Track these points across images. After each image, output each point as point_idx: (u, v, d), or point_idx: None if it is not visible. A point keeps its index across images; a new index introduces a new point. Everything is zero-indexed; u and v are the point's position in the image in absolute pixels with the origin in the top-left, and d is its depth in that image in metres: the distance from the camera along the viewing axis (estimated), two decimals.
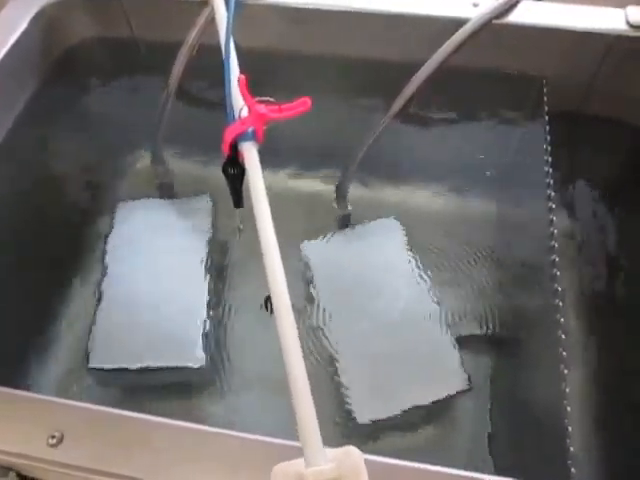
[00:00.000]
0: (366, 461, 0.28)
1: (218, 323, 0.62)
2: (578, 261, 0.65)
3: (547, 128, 0.52)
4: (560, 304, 0.43)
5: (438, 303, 0.60)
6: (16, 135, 0.57)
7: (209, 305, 0.60)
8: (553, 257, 0.45)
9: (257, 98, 0.38)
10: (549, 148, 0.51)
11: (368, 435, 0.55)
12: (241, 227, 0.56)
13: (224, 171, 0.41)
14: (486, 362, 0.59)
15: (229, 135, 0.39)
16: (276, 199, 0.67)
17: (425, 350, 0.57)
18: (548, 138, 0.51)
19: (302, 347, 0.59)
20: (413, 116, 0.61)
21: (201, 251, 0.63)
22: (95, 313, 0.59)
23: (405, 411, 0.54)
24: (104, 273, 0.62)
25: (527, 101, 0.58)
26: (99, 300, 0.60)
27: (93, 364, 0.56)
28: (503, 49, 0.55)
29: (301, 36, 0.58)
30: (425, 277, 0.62)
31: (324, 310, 0.60)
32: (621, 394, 0.54)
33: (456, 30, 0.52)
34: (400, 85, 0.55)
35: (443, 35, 0.52)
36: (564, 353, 0.40)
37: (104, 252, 0.64)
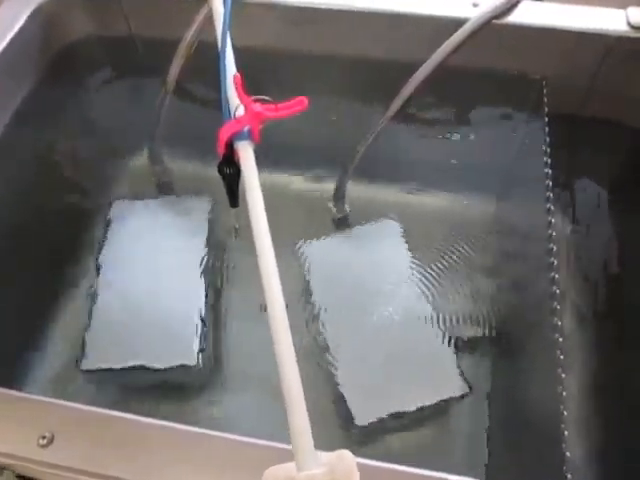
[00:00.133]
0: (359, 465, 0.28)
1: (214, 323, 0.62)
2: (577, 264, 0.64)
3: (547, 129, 0.52)
4: (558, 307, 0.42)
5: (436, 305, 0.60)
6: (13, 133, 0.57)
7: (205, 305, 0.60)
8: (551, 259, 0.45)
9: (253, 97, 0.37)
10: (548, 149, 0.50)
11: (366, 437, 0.55)
12: (237, 227, 0.56)
13: (220, 171, 0.41)
14: (484, 365, 0.59)
15: (224, 134, 0.38)
16: (274, 199, 0.67)
17: (424, 352, 0.57)
18: (548, 139, 0.51)
19: (299, 348, 0.59)
20: (412, 116, 0.61)
21: (198, 251, 0.63)
22: (90, 312, 0.59)
23: (403, 414, 0.54)
24: (98, 272, 0.62)
25: (527, 102, 0.58)
26: (94, 299, 0.60)
27: (87, 366, 0.56)
28: (503, 49, 0.55)
29: (300, 36, 0.57)
30: (423, 279, 0.62)
31: (322, 311, 0.60)
32: (619, 398, 0.54)
33: (455, 30, 0.51)
34: (398, 85, 0.54)
35: (442, 35, 0.52)
36: (561, 356, 0.39)
37: (99, 251, 0.63)
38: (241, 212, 0.42)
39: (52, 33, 0.59)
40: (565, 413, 0.37)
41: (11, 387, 0.37)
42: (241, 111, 0.38)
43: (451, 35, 0.51)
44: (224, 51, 0.40)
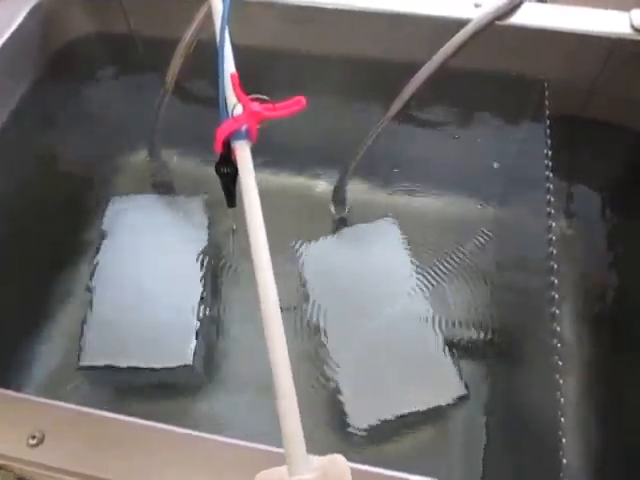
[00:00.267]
0: (353, 470, 0.27)
1: (211, 323, 0.61)
2: (577, 268, 0.64)
3: (548, 132, 0.51)
4: (557, 312, 0.42)
5: (435, 308, 0.59)
6: (11, 129, 0.56)
7: (202, 305, 0.59)
8: (551, 263, 0.44)
9: (251, 95, 0.37)
10: (549, 152, 0.50)
11: (362, 441, 0.55)
12: (234, 227, 0.56)
13: (217, 170, 0.40)
14: (482, 368, 0.59)
15: (222, 133, 0.38)
16: (273, 200, 0.67)
17: (422, 356, 0.57)
18: (549, 142, 0.51)
19: (296, 350, 0.58)
20: (412, 117, 0.61)
21: (195, 250, 0.62)
22: (86, 310, 0.59)
23: (400, 417, 0.53)
24: (95, 270, 0.61)
25: (528, 104, 0.57)
26: (90, 297, 0.59)
27: (84, 362, 0.55)
28: (505, 51, 0.54)
29: (300, 35, 0.57)
30: (422, 281, 0.62)
31: (320, 313, 0.60)
32: (617, 404, 0.54)
33: (457, 31, 0.51)
34: (399, 85, 0.54)
35: (444, 36, 0.51)
36: (559, 362, 0.39)
37: (96, 248, 0.63)
38: (238, 212, 0.42)
39: (52, 30, 0.59)
40: (563, 419, 0.37)
41: (6, 387, 0.37)
42: (239, 110, 0.38)
43: (453, 36, 0.51)
44: (222, 49, 0.40)
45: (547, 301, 0.43)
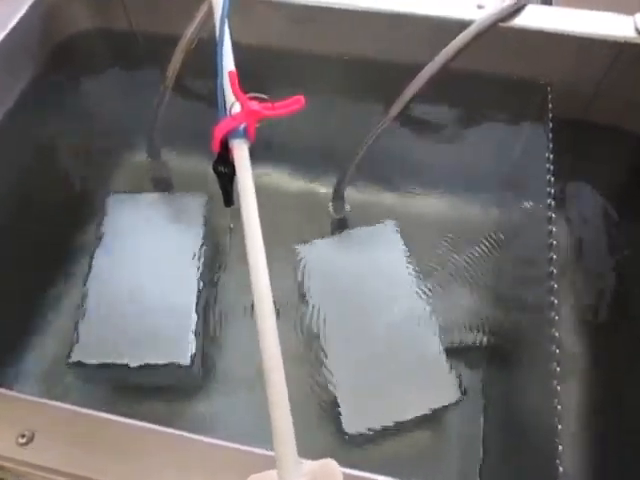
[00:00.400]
0: (345, 475, 0.27)
1: (208, 323, 0.61)
2: (577, 273, 0.63)
3: (550, 135, 0.51)
4: (556, 317, 0.41)
5: (433, 311, 0.59)
6: (9, 125, 0.56)
7: (199, 303, 0.59)
8: (551, 268, 0.44)
9: (249, 94, 0.37)
10: (551, 156, 0.49)
11: (358, 445, 0.54)
12: (232, 227, 0.55)
13: (214, 169, 0.40)
14: (480, 373, 0.58)
15: (219, 132, 0.37)
16: (272, 200, 0.67)
17: (418, 360, 0.56)
18: (551, 146, 0.50)
19: (293, 352, 0.58)
20: (413, 118, 0.60)
21: (193, 248, 0.62)
22: (81, 308, 0.58)
23: (396, 422, 0.53)
24: (91, 267, 0.61)
25: (531, 107, 0.57)
26: (86, 295, 0.59)
27: (76, 358, 0.55)
28: (508, 53, 0.54)
29: (302, 34, 0.57)
30: (421, 284, 0.61)
31: (317, 315, 0.59)
32: (615, 412, 0.53)
33: (460, 32, 0.50)
34: (401, 86, 0.54)
35: (446, 37, 0.51)
36: (557, 368, 0.39)
37: (93, 245, 0.62)
38: (236, 211, 0.41)
39: (52, 25, 0.59)
40: (560, 427, 0.36)
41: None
42: (237, 108, 0.38)
43: (455, 37, 0.51)
44: (221, 47, 0.40)
45: (546, 306, 0.43)
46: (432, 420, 0.55)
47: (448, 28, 0.51)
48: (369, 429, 0.53)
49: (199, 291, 0.59)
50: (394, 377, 0.55)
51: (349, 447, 0.54)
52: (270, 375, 0.29)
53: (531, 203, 0.56)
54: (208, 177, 0.40)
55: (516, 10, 0.53)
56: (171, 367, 0.55)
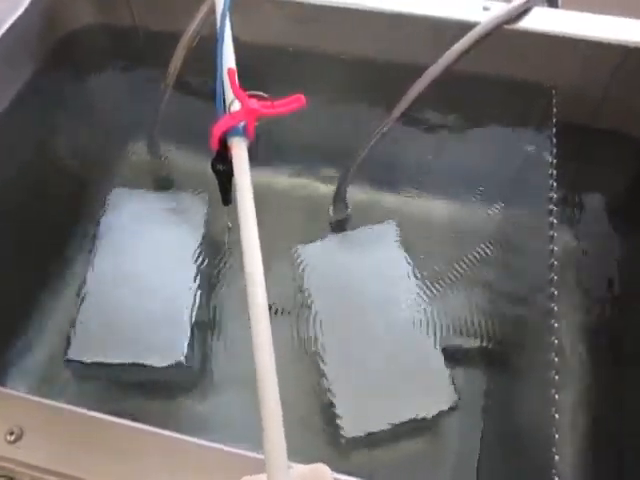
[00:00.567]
0: None
1: (206, 322, 0.61)
2: (578, 280, 0.63)
3: (554, 140, 0.50)
4: (556, 325, 0.41)
5: (432, 315, 0.59)
6: (9, 120, 0.56)
7: (197, 303, 0.59)
8: (552, 275, 0.43)
9: (249, 92, 0.36)
10: (554, 161, 0.49)
11: (355, 449, 0.54)
12: (230, 226, 0.55)
13: (212, 167, 0.40)
14: (479, 378, 0.58)
15: (218, 129, 0.37)
16: (272, 200, 0.67)
17: (415, 364, 0.56)
18: (554, 151, 0.50)
19: (290, 354, 0.58)
20: (416, 120, 0.60)
21: (192, 247, 0.62)
22: (79, 305, 0.58)
23: (392, 426, 0.52)
24: (90, 264, 0.61)
25: (535, 110, 0.56)
26: (84, 292, 0.59)
27: (73, 356, 0.55)
28: (513, 55, 0.53)
29: (303, 33, 0.57)
30: (420, 287, 0.61)
31: (315, 316, 0.59)
32: (614, 422, 0.52)
33: (465, 34, 0.50)
34: (404, 87, 0.53)
35: (451, 38, 0.50)
36: (556, 377, 0.38)
37: (92, 242, 0.62)
38: (234, 211, 0.41)
39: (54, 20, 0.59)
40: (557, 436, 0.36)
41: None
42: (235, 106, 0.37)
43: (460, 39, 0.50)
44: (222, 44, 0.39)
45: (546, 313, 0.42)
46: (429, 424, 0.55)
47: (454, 29, 0.51)
48: (366, 432, 0.52)
49: (197, 290, 0.59)
50: (392, 380, 0.55)
51: (344, 451, 0.54)
52: (262, 376, 0.28)
53: (533, 208, 0.55)
54: (209, 175, 0.40)
55: (522, 12, 0.52)
56: (168, 366, 0.55)
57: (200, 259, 0.61)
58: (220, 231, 0.65)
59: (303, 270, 0.62)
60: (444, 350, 0.57)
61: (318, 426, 0.54)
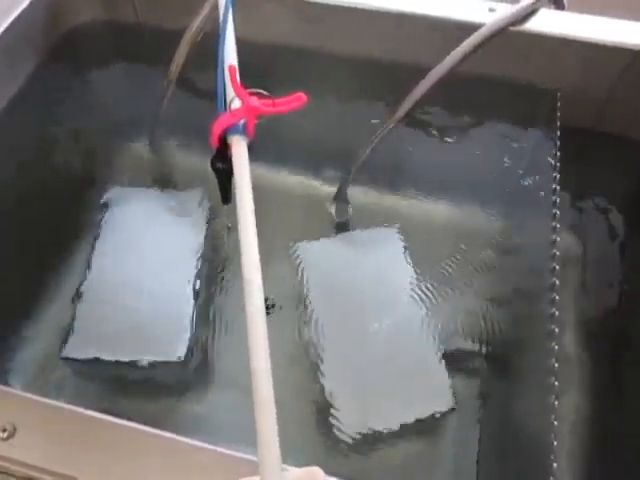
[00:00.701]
0: None
1: (205, 321, 0.60)
2: (580, 286, 0.62)
3: (558, 143, 0.50)
4: (556, 330, 0.40)
5: (431, 318, 0.58)
6: (10, 116, 0.56)
7: (197, 301, 0.58)
8: (553, 280, 0.43)
9: (250, 89, 0.36)
10: (558, 164, 0.48)
11: (351, 451, 0.53)
12: (230, 225, 0.55)
13: (212, 165, 0.39)
14: (478, 382, 0.57)
15: (218, 127, 0.37)
16: (272, 199, 0.66)
17: (414, 366, 0.55)
18: (558, 154, 0.49)
19: (289, 354, 0.57)
20: (419, 121, 0.60)
21: (192, 246, 0.61)
22: (77, 302, 0.58)
23: (390, 427, 0.52)
24: (89, 262, 0.60)
25: (539, 113, 0.56)
26: (82, 289, 0.59)
27: (70, 353, 0.55)
28: (517, 57, 0.53)
29: (308, 32, 0.56)
30: (420, 290, 0.60)
31: (314, 317, 0.59)
32: (614, 429, 0.52)
33: (470, 35, 0.50)
34: (407, 88, 0.53)
35: (456, 39, 0.50)
36: (556, 383, 0.38)
37: (92, 240, 0.62)
38: (234, 210, 0.41)
39: (58, 15, 0.59)
40: (556, 443, 0.35)
41: None
42: (236, 104, 0.37)
43: (465, 40, 0.50)
44: (223, 41, 0.39)
45: (547, 318, 0.42)
46: (428, 427, 0.54)
47: (458, 31, 0.51)
48: (364, 434, 0.52)
49: (197, 289, 0.59)
50: (390, 382, 0.54)
51: (341, 453, 0.53)
52: (257, 377, 0.28)
53: (535, 211, 0.55)
54: (209, 173, 0.40)
55: (528, 14, 0.52)
56: (166, 364, 0.55)
57: (200, 258, 0.61)
58: (220, 230, 0.65)
59: (303, 269, 0.62)
60: (443, 353, 0.56)
61: (316, 427, 0.54)
